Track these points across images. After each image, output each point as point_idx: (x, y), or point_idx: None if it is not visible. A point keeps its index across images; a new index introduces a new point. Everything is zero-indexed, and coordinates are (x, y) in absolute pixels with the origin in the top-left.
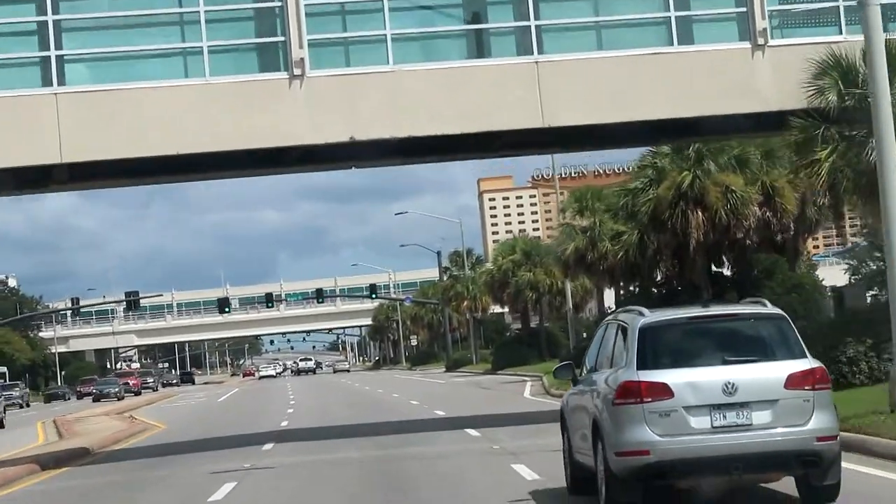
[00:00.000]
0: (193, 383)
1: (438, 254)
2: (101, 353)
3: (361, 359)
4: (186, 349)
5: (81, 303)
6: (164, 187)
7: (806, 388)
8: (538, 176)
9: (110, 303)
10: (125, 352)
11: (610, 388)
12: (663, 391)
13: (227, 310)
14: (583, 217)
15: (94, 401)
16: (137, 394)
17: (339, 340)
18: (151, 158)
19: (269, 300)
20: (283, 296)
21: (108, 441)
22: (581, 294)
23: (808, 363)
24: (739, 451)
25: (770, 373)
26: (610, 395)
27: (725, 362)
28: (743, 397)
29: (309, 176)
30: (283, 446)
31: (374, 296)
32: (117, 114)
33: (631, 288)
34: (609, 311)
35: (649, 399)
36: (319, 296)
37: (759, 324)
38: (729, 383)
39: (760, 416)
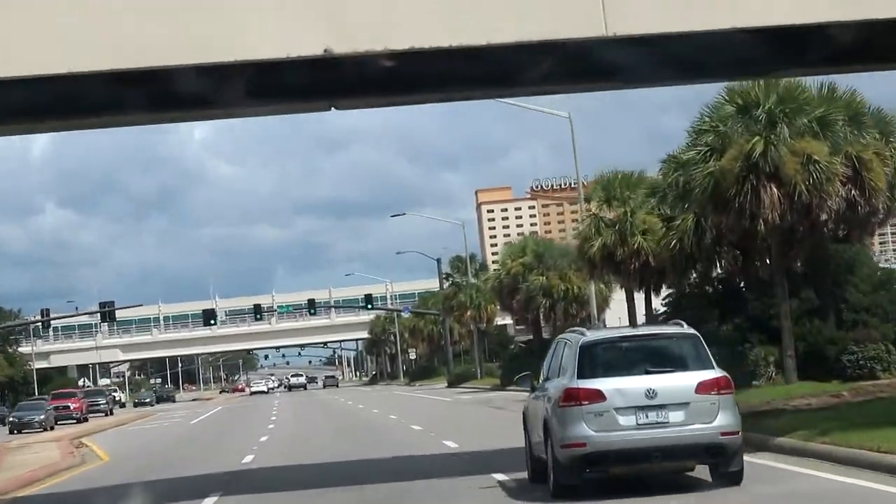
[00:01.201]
0: (174, 401)
1: (438, 261)
2: (85, 369)
3: (358, 373)
4: (178, 364)
5: (55, 315)
6: (160, 200)
7: (713, 393)
8: (537, 187)
9: (81, 314)
10: (116, 366)
11: (556, 393)
12: (597, 396)
13: (212, 322)
14: (610, 208)
15: (10, 432)
16: (81, 420)
17: (336, 355)
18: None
19: (257, 311)
20: (275, 307)
21: (19, 483)
22: (598, 301)
23: (714, 373)
24: (658, 444)
25: (683, 381)
26: (556, 399)
27: (648, 372)
28: (661, 400)
29: (307, 191)
30: (229, 501)
31: (370, 306)
32: None
33: (670, 288)
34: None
35: (586, 402)
36: (312, 307)
37: (677, 342)
38: (650, 390)
39: (675, 416)
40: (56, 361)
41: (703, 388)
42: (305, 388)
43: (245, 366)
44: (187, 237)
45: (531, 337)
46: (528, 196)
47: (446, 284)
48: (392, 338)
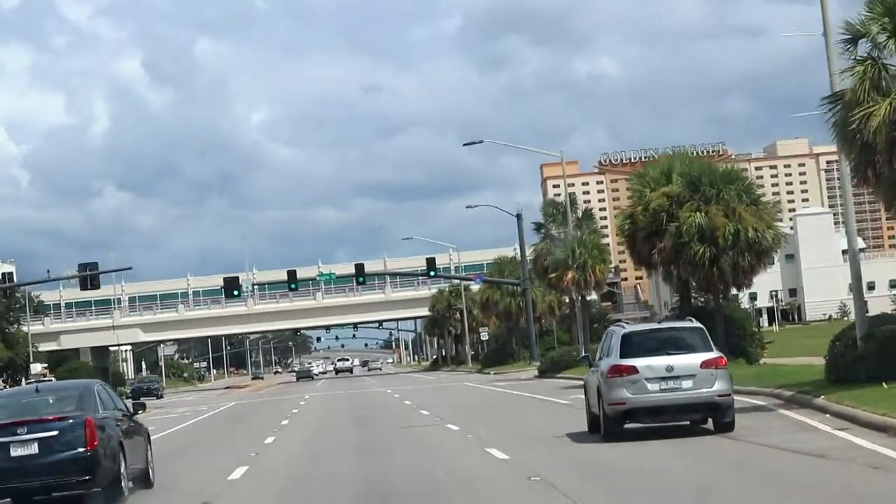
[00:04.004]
0: (158, 396)
1: (518, 217)
2: (101, 352)
3: (417, 358)
4: (224, 344)
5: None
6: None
7: (712, 367)
8: (606, 161)
9: (59, 279)
10: (168, 347)
11: (605, 368)
12: (633, 370)
13: (235, 293)
14: None
15: None
16: None
17: (392, 337)
18: None
19: (291, 279)
20: (319, 278)
21: None
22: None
23: (714, 354)
24: (675, 403)
25: (692, 360)
26: (605, 372)
27: (668, 354)
28: (677, 373)
29: (368, 173)
30: None
31: (433, 273)
32: None
33: None
34: None
35: (626, 374)
36: (360, 274)
37: (688, 332)
38: (669, 366)
39: (686, 383)
40: (67, 343)
41: (705, 364)
42: (351, 372)
43: (298, 348)
44: (244, 220)
45: (645, 312)
46: (597, 170)
47: (536, 239)
48: (458, 315)
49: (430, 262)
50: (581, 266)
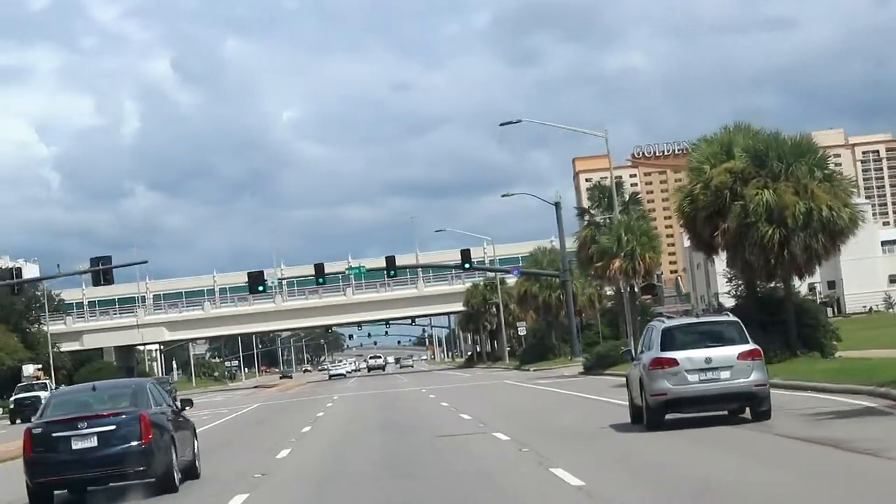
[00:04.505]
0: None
1: (557, 205)
2: (127, 351)
3: (451, 354)
4: (255, 343)
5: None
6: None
7: (748, 359)
8: (639, 154)
9: (70, 273)
10: (199, 346)
11: (647, 361)
12: (673, 362)
13: (260, 288)
14: None
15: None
16: None
17: (425, 334)
18: None
19: (318, 273)
20: (348, 272)
21: None
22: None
23: (750, 346)
24: (713, 393)
25: (729, 352)
26: (647, 365)
27: (707, 346)
28: (715, 364)
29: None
30: None
31: (468, 265)
32: None
33: None
34: None
35: (667, 366)
36: (391, 267)
37: (725, 326)
38: (708, 357)
39: (724, 374)
40: (90, 342)
41: (742, 356)
42: (384, 369)
43: (330, 346)
44: (274, 219)
45: (686, 305)
46: (629, 163)
47: (580, 226)
48: (493, 309)
49: (465, 254)
50: (629, 254)
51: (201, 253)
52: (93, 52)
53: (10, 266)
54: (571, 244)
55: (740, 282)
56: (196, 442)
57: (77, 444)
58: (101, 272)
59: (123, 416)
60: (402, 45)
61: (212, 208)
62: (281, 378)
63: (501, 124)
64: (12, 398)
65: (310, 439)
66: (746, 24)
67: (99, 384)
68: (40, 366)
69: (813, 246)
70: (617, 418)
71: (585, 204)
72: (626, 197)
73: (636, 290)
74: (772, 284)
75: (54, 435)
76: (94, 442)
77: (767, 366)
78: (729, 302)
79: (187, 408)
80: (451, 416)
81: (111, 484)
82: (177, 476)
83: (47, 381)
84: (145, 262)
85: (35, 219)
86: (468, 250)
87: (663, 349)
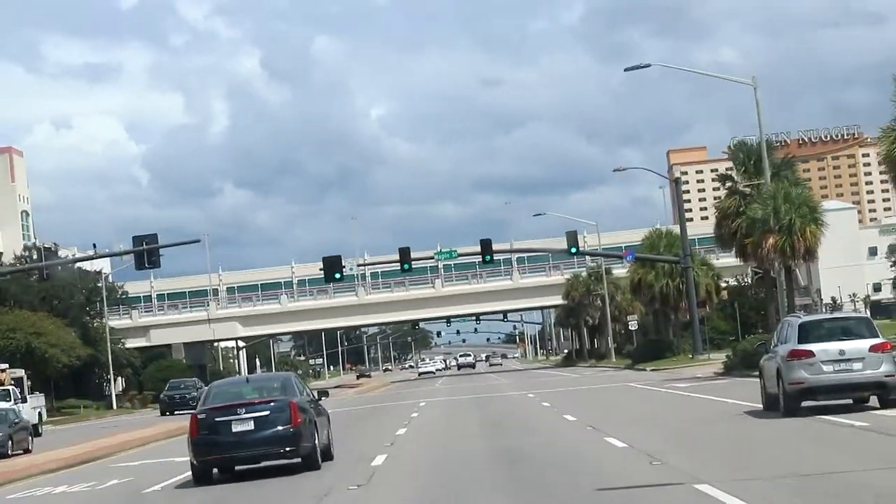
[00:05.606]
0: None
1: (676, 182)
2: (198, 348)
3: (545, 352)
4: (340, 340)
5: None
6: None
7: (879, 352)
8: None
9: (102, 255)
10: (284, 343)
11: (784, 352)
12: (810, 354)
13: (337, 277)
14: None
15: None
16: None
17: (516, 331)
18: None
19: (403, 258)
20: (437, 256)
21: None
22: None
23: (880, 339)
24: (847, 382)
25: (861, 344)
26: (784, 356)
27: (840, 339)
28: (848, 356)
29: (487, 167)
30: None
31: (574, 251)
32: None
33: None
34: None
35: (803, 357)
36: (486, 251)
37: (855, 321)
38: (841, 350)
39: (857, 365)
40: (157, 338)
41: (873, 348)
42: (474, 367)
43: (418, 343)
44: (362, 215)
45: (806, 299)
46: (726, 156)
47: (722, 189)
48: (598, 302)
49: (571, 237)
50: (786, 228)
51: (289, 251)
52: (182, 51)
53: (41, 245)
54: (717, 214)
55: None
56: (329, 427)
57: (237, 428)
58: (146, 254)
59: (276, 404)
60: (492, 41)
61: (300, 206)
62: (358, 378)
63: (627, 69)
64: None
65: (379, 488)
66: (837, 19)
67: (251, 377)
68: (6, 365)
69: None
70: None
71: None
72: (778, 162)
73: (796, 271)
74: None
75: (217, 420)
76: (251, 426)
77: None
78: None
79: (323, 397)
80: (593, 440)
81: (263, 463)
82: (319, 458)
83: (10, 388)
84: (197, 240)
85: (124, 216)
86: (574, 232)
87: (801, 341)
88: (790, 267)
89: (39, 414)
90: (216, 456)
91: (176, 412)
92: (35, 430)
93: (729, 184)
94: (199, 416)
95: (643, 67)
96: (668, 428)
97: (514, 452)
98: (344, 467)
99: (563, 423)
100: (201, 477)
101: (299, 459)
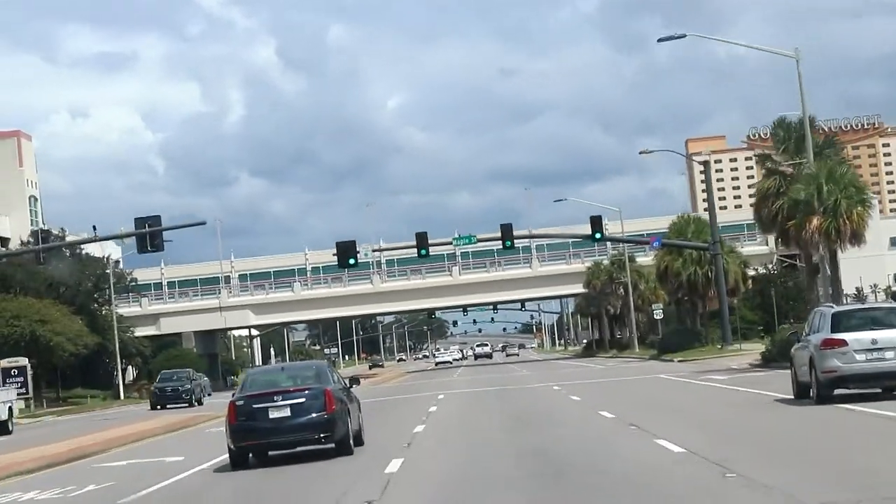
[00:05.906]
0: (193, 402)
1: (706, 164)
2: (209, 337)
3: (564, 342)
4: (355, 329)
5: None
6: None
7: None
8: (755, 135)
9: (104, 238)
10: (299, 332)
11: (817, 341)
12: (843, 343)
13: (351, 262)
14: None
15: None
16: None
17: (533, 321)
18: None
19: (420, 244)
20: (455, 242)
21: None
22: None
23: None
24: (879, 371)
25: (893, 334)
26: (818, 345)
27: (872, 329)
28: (880, 345)
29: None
30: None
31: (598, 236)
32: None
33: None
34: None
35: (836, 346)
36: (506, 236)
37: (885, 312)
38: (874, 339)
39: (889, 354)
40: (167, 326)
41: None
42: (491, 357)
43: (434, 333)
44: (378, 205)
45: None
46: (745, 146)
47: (738, 183)
48: (620, 290)
49: (595, 223)
50: (831, 210)
51: (304, 240)
52: (198, 40)
53: (40, 230)
54: (756, 194)
55: None
56: (360, 414)
57: (273, 414)
58: (149, 237)
59: (311, 391)
60: (508, 31)
61: (315, 195)
62: (371, 368)
63: (660, 40)
64: None
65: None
66: (855, 10)
67: (287, 365)
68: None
69: None
70: None
71: (698, 182)
72: (821, 141)
73: (837, 256)
74: None
75: (254, 406)
76: (287, 412)
77: None
78: None
79: (354, 385)
80: (646, 447)
81: (298, 448)
82: (351, 443)
83: None
84: (203, 223)
85: (141, 204)
86: (599, 217)
87: (833, 330)
88: (835, 252)
89: (10, 409)
90: (253, 441)
91: (168, 406)
92: (4, 428)
93: (768, 164)
94: (237, 403)
95: (678, 38)
96: (728, 428)
97: (550, 460)
98: (357, 470)
99: (600, 420)
100: (238, 461)
101: (333, 445)
